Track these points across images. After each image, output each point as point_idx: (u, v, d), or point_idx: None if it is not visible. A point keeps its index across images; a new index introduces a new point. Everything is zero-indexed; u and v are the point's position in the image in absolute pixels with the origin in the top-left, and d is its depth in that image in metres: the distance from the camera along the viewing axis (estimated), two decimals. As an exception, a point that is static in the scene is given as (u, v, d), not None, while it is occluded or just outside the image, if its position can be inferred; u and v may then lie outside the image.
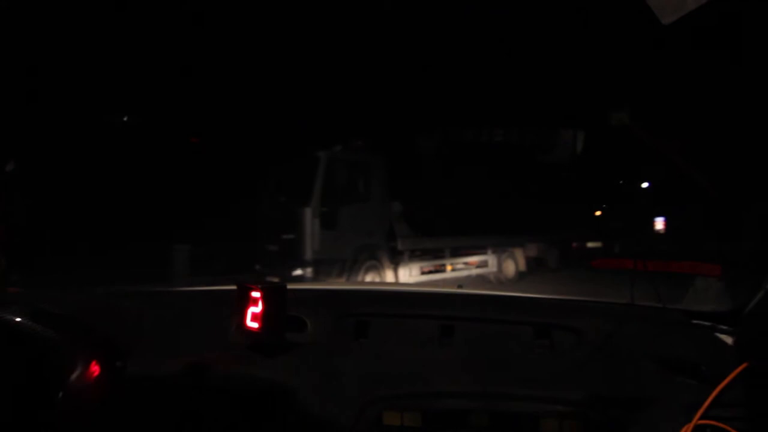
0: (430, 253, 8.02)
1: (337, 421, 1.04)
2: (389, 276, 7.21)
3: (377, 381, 1.10)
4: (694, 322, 1.21)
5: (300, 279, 6.35)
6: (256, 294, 1.13)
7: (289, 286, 1.19)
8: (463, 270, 8.60)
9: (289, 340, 1.16)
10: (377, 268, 7.08)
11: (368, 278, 6.92)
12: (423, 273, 7.80)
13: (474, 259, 8.82)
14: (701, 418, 0.90)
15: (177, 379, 1.10)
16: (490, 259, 8.97)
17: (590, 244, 12.45)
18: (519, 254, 9.53)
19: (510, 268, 9.37)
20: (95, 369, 1.00)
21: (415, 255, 7.74)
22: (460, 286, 2.19)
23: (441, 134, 9.41)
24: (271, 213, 7.12)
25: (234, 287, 1.20)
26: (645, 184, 23.32)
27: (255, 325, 1.12)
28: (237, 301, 1.16)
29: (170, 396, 1.10)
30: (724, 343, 1.09)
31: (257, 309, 1.12)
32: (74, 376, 0.96)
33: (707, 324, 1.17)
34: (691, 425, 0.90)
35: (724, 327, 1.12)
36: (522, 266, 9.54)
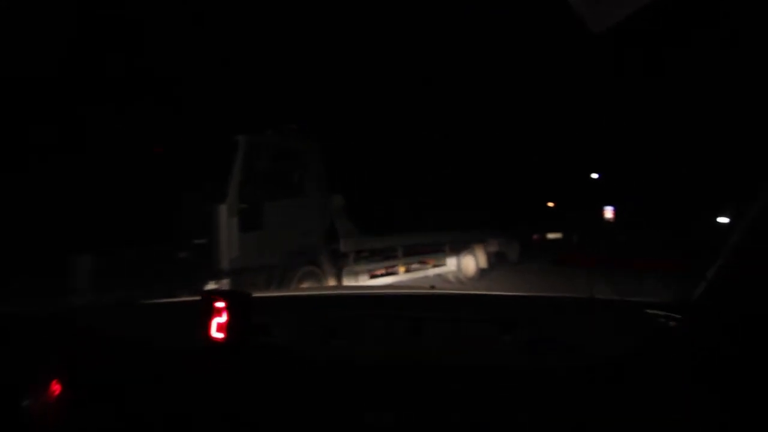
0: (380, 253, 6.92)
1: (313, 423, 1.04)
2: (331, 283, 6.03)
3: (349, 382, 1.10)
4: (648, 311, 1.25)
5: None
6: (220, 304, 1.15)
7: (255, 294, 1.24)
8: (418, 271, 7.58)
9: (254, 347, 1.18)
10: (316, 275, 5.86)
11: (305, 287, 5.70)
12: (372, 277, 6.67)
13: (430, 258, 7.83)
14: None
15: (143, 392, 1.08)
16: (449, 257, 8.01)
17: (551, 236, 11.96)
18: (479, 250, 8.66)
19: (470, 265, 8.47)
20: (56, 388, 1.03)
21: (362, 257, 6.60)
22: (432, 287, 2.13)
23: (391, 120, 8.42)
24: (184, 212, 5.71)
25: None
26: (595, 175, 23.77)
27: (220, 335, 1.13)
28: (202, 312, 1.16)
29: (135, 411, 1.07)
30: (675, 330, 1.15)
31: (222, 319, 1.14)
32: (34, 394, 0.98)
33: (660, 313, 1.21)
34: None
35: (676, 316, 1.17)
36: (483, 263, 8.68)
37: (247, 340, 1.14)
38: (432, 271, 7.73)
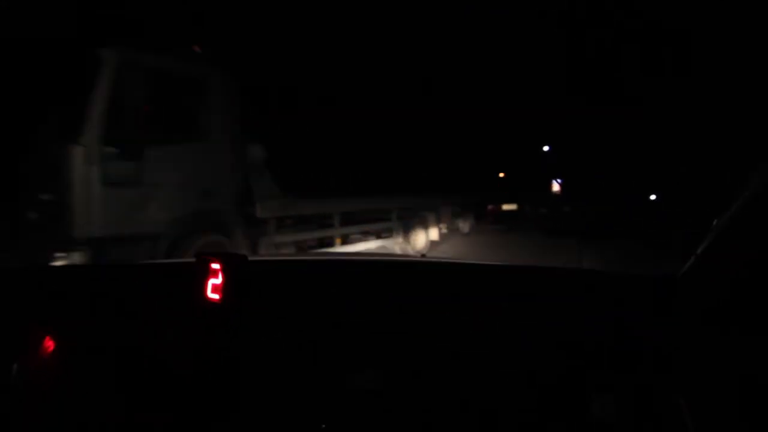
0: (311, 221, 5.62)
1: (302, 386, 1.05)
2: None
3: (342, 346, 1.11)
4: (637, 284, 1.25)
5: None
6: (216, 265, 1.14)
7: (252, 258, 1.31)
8: (359, 243, 6.40)
9: (251, 310, 1.16)
10: (222, 247, 4.46)
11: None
12: (300, 250, 5.39)
13: (373, 227, 6.66)
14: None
15: (136, 351, 1.10)
16: (395, 226, 6.89)
17: (506, 207, 11.25)
18: (431, 219, 7.60)
19: (420, 236, 7.41)
20: (50, 344, 1.07)
21: (287, 225, 5.28)
22: (423, 256, 1.97)
23: (335, 63, 6.89)
24: (34, 156, 4.03)
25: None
26: (546, 148, 23.86)
27: (216, 296, 1.14)
28: (198, 273, 1.16)
29: (129, 369, 1.09)
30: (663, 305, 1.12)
31: (218, 281, 1.14)
32: (29, 350, 1.03)
33: (649, 286, 1.20)
34: None
35: (664, 290, 1.15)
36: (435, 235, 7.65)
37: (243, 302, 1.15)
38: (375, 243, 6.58)
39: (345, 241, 6.13)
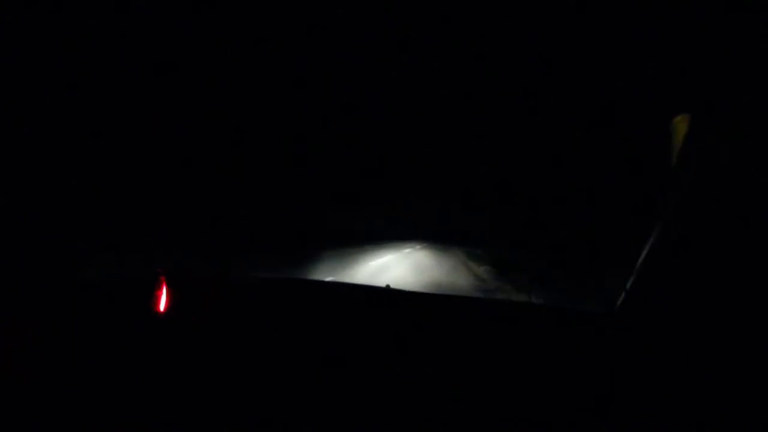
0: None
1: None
2: None
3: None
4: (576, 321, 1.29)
5: None
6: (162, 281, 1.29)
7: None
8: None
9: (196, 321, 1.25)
10: None
11: None
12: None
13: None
14: None
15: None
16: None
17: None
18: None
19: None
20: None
21: None
22: (387, 286, 1.90)
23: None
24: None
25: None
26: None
27: (162, 308, 1.25)
28: (148, 288, 1.28)
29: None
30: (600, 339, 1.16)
31: (164, 295, 1.27)
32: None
33: (588, 323, 1.24)
34: None
35: (602, 325, 1.20)
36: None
37: (189, 314, 1.24)
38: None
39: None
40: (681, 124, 1.02)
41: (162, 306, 1.23)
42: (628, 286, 1.05)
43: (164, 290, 1.23)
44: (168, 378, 1.07)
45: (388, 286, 2.06)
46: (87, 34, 4.38)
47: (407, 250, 14.23)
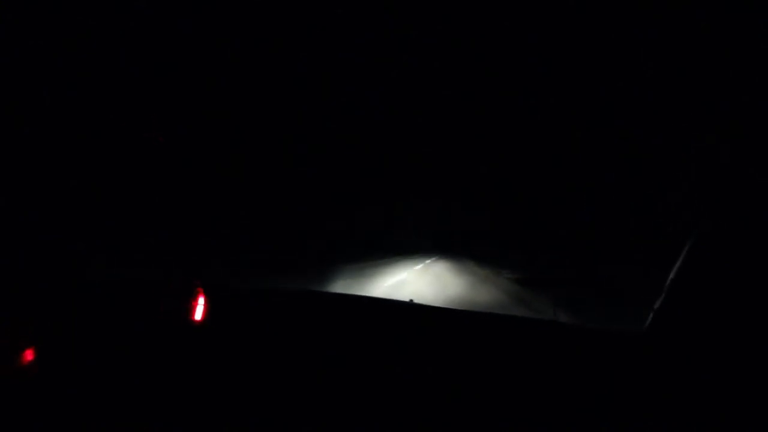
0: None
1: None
2: None
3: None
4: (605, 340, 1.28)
5: None
6: (199, 290, 1.33)
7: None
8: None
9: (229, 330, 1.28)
10: None
11: None
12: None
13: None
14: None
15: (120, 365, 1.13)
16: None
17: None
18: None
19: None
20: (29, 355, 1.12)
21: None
22: (411, 301, 1.97)
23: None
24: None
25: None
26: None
27: (199, 317, 1.28)
28: (185, 296, 1.32)
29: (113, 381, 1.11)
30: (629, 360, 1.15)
31: (201, 304, 1.30)
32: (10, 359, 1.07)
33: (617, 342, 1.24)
34: None
35: (630, 346, 1.19)
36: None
37: (224, 323, 1.27)
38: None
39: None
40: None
41: (199, 315, 1.27)
42: (657, 305, 1.04)
43: (201, 300, 1.27)
44: (184, 382, 1.09)
45: (411, 300, 2.08)
46: (87, 34, 4.40)
47: (427, 261, 14.38)
